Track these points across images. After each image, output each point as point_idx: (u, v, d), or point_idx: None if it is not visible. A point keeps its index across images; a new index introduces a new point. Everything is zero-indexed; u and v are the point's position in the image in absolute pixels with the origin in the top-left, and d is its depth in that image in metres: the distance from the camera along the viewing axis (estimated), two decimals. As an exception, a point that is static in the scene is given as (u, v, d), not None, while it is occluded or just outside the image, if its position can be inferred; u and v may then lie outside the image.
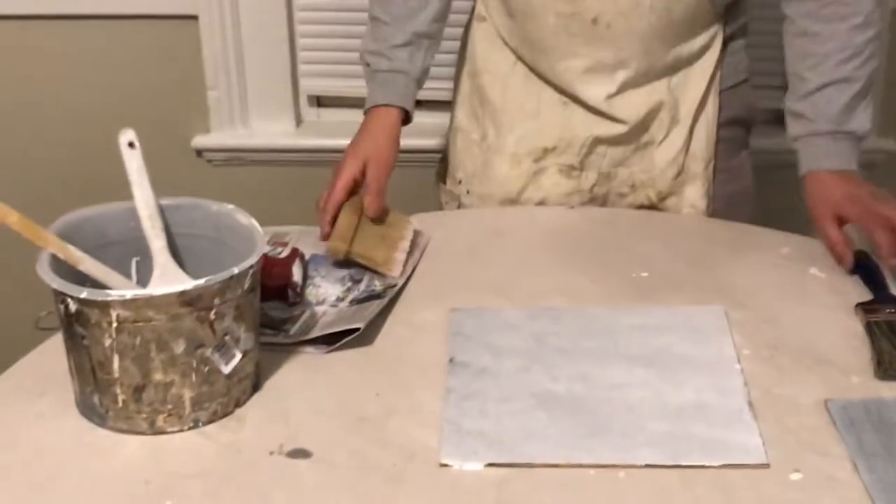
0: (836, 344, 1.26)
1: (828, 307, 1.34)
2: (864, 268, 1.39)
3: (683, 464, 1.06)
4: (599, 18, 1.50)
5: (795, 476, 1.05)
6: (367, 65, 1.58)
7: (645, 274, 1.42)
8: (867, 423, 1.11)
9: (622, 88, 1.56)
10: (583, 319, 1.31)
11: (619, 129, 1.58)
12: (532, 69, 1.60)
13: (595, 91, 1.57)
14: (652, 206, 1.65)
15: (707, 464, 1.06)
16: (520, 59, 1.61)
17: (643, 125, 1.59)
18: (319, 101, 2.45)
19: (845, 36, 1.44)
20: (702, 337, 1.27)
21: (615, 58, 1.54)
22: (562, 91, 1.59)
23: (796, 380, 1.20)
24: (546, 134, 1.61)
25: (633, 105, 1.57)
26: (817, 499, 1.01)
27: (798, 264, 1.42)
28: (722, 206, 1.63)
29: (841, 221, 1.43)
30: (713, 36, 1.58)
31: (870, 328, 1.26)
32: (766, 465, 1.06)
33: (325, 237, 1.41)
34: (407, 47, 1.54)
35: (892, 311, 1.28)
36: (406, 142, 2.33)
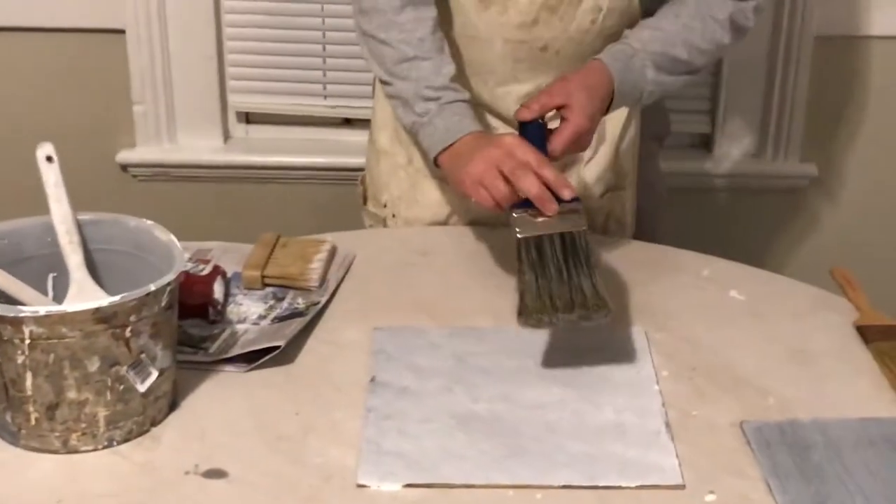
0: (754, 366, 1.28)
1: (746, 329, 1.36)
2: (530, 131, 1.37)
3: (600, 484, 1.07)
4: (549, 45, 1.51)
5: (710, 497, 1.06)
6: (431, 99, 1.43)
7: (567, 295, 1.43)
8: (782, 445, 1.13)
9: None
10: (505, 339, 1.31)
11: None
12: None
13: (512, 102, 1.57)
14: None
15: (624, 484, 1.07)
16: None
17: None
18: (248, 118, 2.43)
19: (696, 13, 1.47)
20: (621, 357, 1.28)
21: None
22: (494, 113, 1.60)
23: (714, 401, 1.21)
24: None
25: None
26: (731, 519, 1.03)
27: (718, 286, 1.44)
28: (642, 217, 1.65)
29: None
30: None
31: (519, 248, 1.25)
32: (681, 486, 1.07)
33: (554, 209, 1.27)
34: (456, 78, 1.47)
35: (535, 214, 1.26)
36: (330, 160, 2.34)
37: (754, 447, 1.12)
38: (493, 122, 1.60)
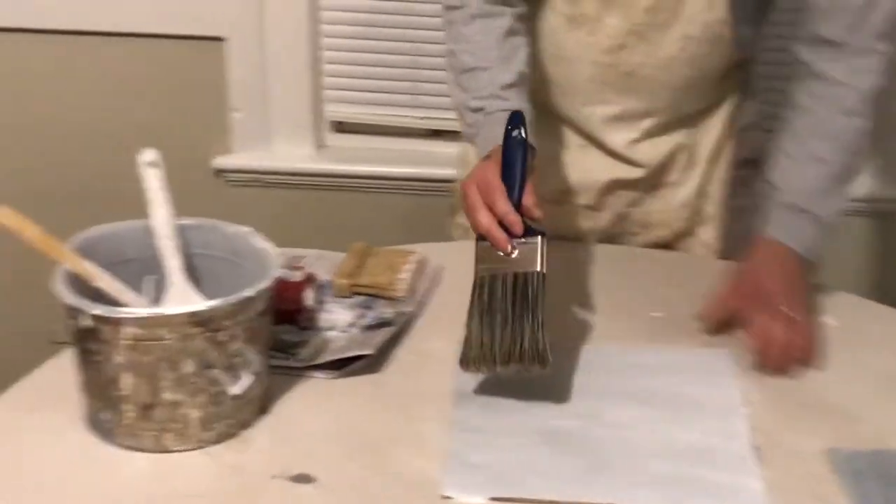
0: (846, 393, 1.26)
1: (839, 356, 1.34)
2: (510, 148, 1.29)
3: (683, 507, 1.06)
4: (637, 71, 1.51)
5: (797, 524, 1.05)
6: (478, 110, 1.43)
7: (658, 314, 1.43)
8: (872, 475, 1.11)
9: (645, 136, 1.58)
10: (593, 356, 1.31)
11: (637, 172, 1.59)
12: (551, 109, 1.61)
13: (618, 137, 1.58)
14: (665, 246, 1.65)
15: (707, 508, 1.06)
16: (539, 98, 1.61)
17: (662, 168, 1.60)
18: (341, 127, 2.46)
19: (827, 116, 1.40)
20: (710, 380, 1.28)
21: (645, 107, 1.55)
22: (582, 133, 1.60)
23: (803, 427, 1.19)
24: (563, 177, 1.62)
25: (653, 150, 1.58)
26: (818, 548, 1.02)
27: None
28: (734, 244, 1.64)
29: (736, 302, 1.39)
30: (735, 83, 1.58)
31: (474, 283, 1.22)
32: (767, 512, 1.06)
33: (506, 247, 1.23)
34: (514, 88, 1.42)
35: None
36: (419, 170, 2.35)
37: (843, 476, 1.11)
38: (576, 139, 1.60)
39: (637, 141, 1.57)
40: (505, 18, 1.46)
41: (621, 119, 1.56)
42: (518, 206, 1.24)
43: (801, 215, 1.40)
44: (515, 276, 1.20)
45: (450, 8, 1.49)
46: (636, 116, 1.56)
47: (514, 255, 1.21)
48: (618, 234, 1.66)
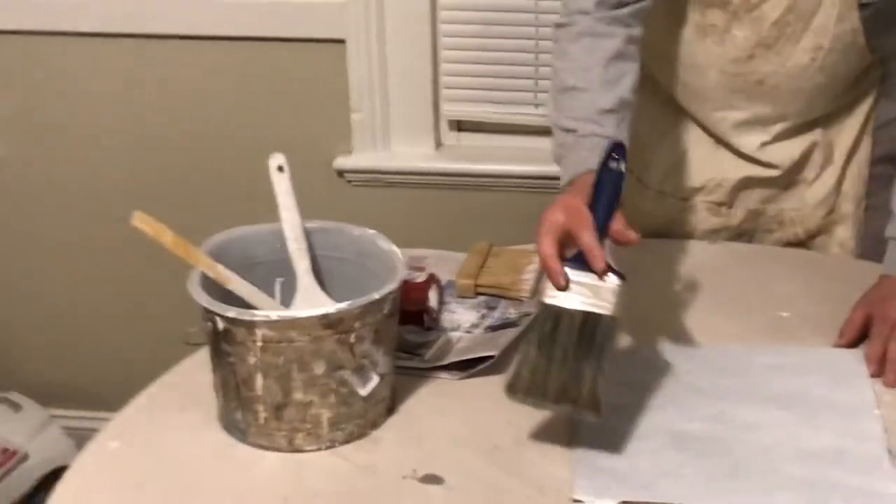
0: (985, 394, 1.22)
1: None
2: (605, 181, 1.19)
3: (822, 510, 1.05)
4: (766, 80, 1.48)
5: (936, 530, 1.02)
6: (570, 131, 1.34)
7: (785, 314, 1.40)
8: None
9: (777, 138, 1.55)
10: (719, 358, 1.30)
11: (771, 172, 1.57)
12: (683, 110, 1.59)
13: (749, 140, 1.55)
14: (800, 244, 1.62)
15: (845, 511, 1.04)
16: (671, 99, 1.60)
17: (796, 167, 1.57)
18: (460, 126, 2.47)
19: None
20: (841, 380, 1.25)
21: (775, 112, 1.53)
22: (710, 133, 1.58)
23: (941, 430, 1.16)
24: (694, 174, 1.60)
25: (786, 151, 1.55)
26: (960, 555, 0.99)
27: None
28: (872, 243, 1.59)
29: (868, 320, 1.34)
30: (872, 80, 1.55)
31: (538, 313, 1.13)
32: (905, 516, 1.04)
33: (559, 282, 1.14)
34: (614, 114, 1.33)
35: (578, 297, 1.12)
36: (540, 168, 2.34)
37: None
38: (708, 139, 1.58)
39: (768, 143, 1.55)
40: (615, 40, 1.37)
41: (752, 123, 1.54)
42: (603, 237, 1.15)
43: None
44: (586, 314, 1.11)
45: (560, 25, 1.41)
46: (768, 121, 1.54)
47: (588, 292, 1.12)
48: (751, 231, 1.63)
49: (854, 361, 1.29)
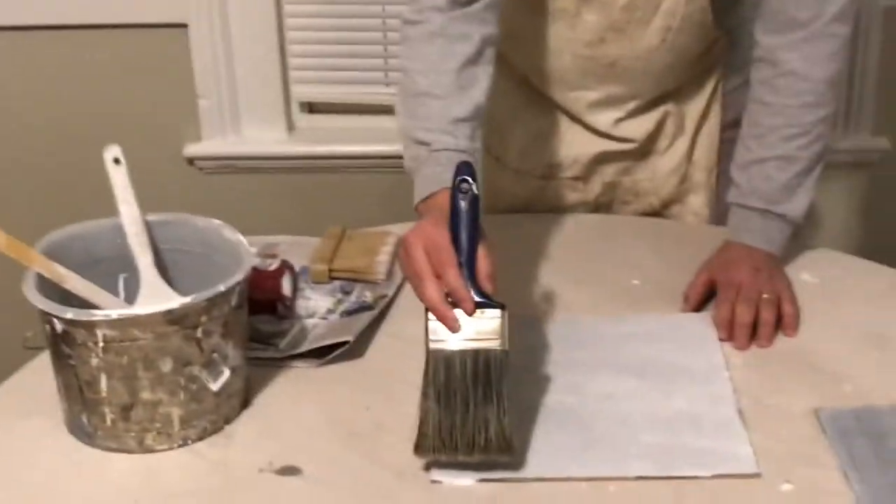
0: (829, 351, 1.26)
1: (820, 314, 1.34)
2: (460, 209, 1.12)
3: (675, 475, 1.06)
4: (617, 62, 1.49)
5: (786, 487, 1.04)
6: (423, 143, 1.28)
7: (636, 282, 1.42)
8: (858, 433, 1.11)
9: (631, 114, 1.57)
10: (572, 329, 1.31)
11: (626, 146, 1.59)
12: (539, 90, 1.59)
13: (604, 118, 1.57)
14: (655, 214, 1.65)
15: (698, 474, 1.06)
16: (526, 79, 1.60)
17: (650, 139, 1.59)
18: (311, 108, 2.44)
19: (795, 113, 1.36)
20: (691, 345, 1.27)
21: (628, 92, 1.54)
22: (565, 112, 1.59)
23: (787, 389, 1.19)
24: (551, 152, 1.61)
25: (641, 125, 1.57)
26: (809, 510, 1.01)
27: (790, 269, 1.42)
28: (725, 211, 1.63)
29: (712, 284, 1.37)
30: (718, 52, 1.57)
31: (427, 360, 1.08)
32: (757, 475, 1.06)
33: (452, 326, 1.09)
34: (468, 123, 1.28)
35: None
36: (395, 148, 2.33)
37: (830, 435, 1.11)
38: (563, 117, 1.59)
39: (622, 119, 1.56)
40: (470, 44, 1.31)
41: (606, 103, 1.55)
42: (471, 273, 1.10)
43: (768, 219, 1.39)
44: (476, 353, 1.07)
45: (410, 22, 1.34)
46: (621, 100, 1.55)
47: (470, 330, 1.08)
48: (608, 203, 1.65)
49: (703, 326, 1.31)
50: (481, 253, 1.11)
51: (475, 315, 1.08)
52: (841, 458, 1.07)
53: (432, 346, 1.08)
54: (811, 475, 1.06)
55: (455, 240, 1.11)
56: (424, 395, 1.07)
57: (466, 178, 1.11)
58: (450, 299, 1.09)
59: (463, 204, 1.11)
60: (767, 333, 1.28)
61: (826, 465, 1.07)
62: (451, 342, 1.08)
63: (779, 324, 1.30)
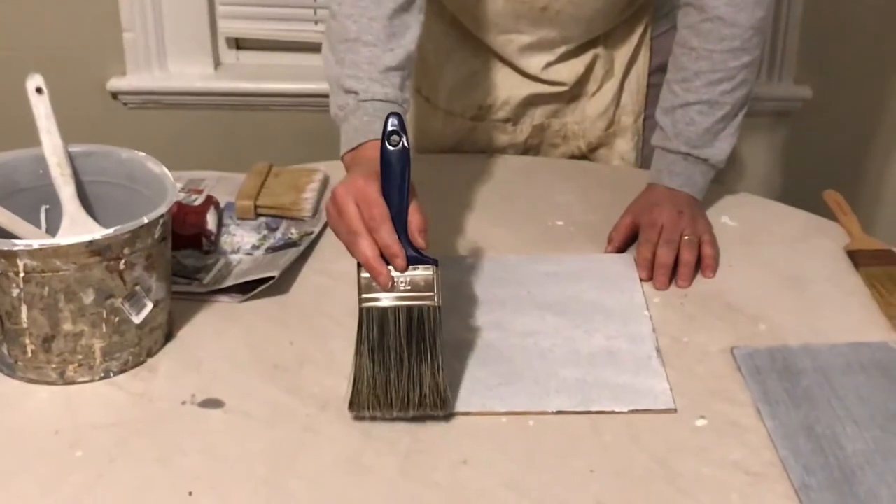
0: (746, 292, 1.29)
1: (738, 256, 1.36)
2: (391, 163, 1.11)
3: (593, 410, 1.08)
4: (549, 6, 1.49)
5: (701, 422, 1.07)
6: (351, 92, 1.26)
7: (560, 223, 1.44)
8: (772, 371, 1.14)
9: (561, 59, 1.57)
10: (496, 268, 1.32)
11: (556, 89, 1.59)
12: (470, 33, 1.59)
13: (534, 61, 1.57)
14: (583, 157, 1.66)
15: (616, 409, 1.08)
16: (457, 22, 1.59)
17: (580, 82, 1.59)
18: (238, 44, 2.42)
19: (719, 58, 1.37)
20: (613, 284, 1.29)
21: (559, 36, 1.54)
22: (497, 56, 1.59)
23: (705, 328, 1.22)
24: (481, 93, 1.61)
25: (571, 69, 1.58)
26: (722, 444, 1.04)
27: (710, 213, 1.44)
28: (651, 155, 1.65)
29: (635, 227, 1.39)
30: None
31: (360, 317, 1.08)
32: (673, 411, 1.08)
33: (386, 282, 1.08)
34: (399, 72, 1.27)
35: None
36: (322, 86, 2.31)
37: (745, 373, 1.14)
38: (494, 60, 1.59)
39: (553, 63, 1.57)
40: None
41: (537, 47, 1.55)
42: (403, 228, 1.10)
43: (691, 163, 1.41)
44: (409, 309, 1.07)
45: None
46: (552, 45, 1.56)
47: (402, 286, 1.08)
48: (537, 146, 1.66)
49: (624, 266, 1.33)
50: (413, 207, 1.10)
51: (408, 271, 1.08)
52: (755, 394, 1.10)
53: (365, 303, 1.08)
54: (725, 411, 1.08)
55: (386, 194, 1.10)
56: (358, 352, 1.07)
57: (397, 130, 1.10)
58: (382, 256, 1.08)
59: (393, 157, 1.10)
60: (687, 274, 1.31)
61: (740, 401, 1.10)
62: (384, 299, 1.07)
63: (698, 265, 1.33)
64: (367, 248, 1.08)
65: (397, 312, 1.07)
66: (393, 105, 1.25)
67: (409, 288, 1.08)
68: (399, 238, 1.08)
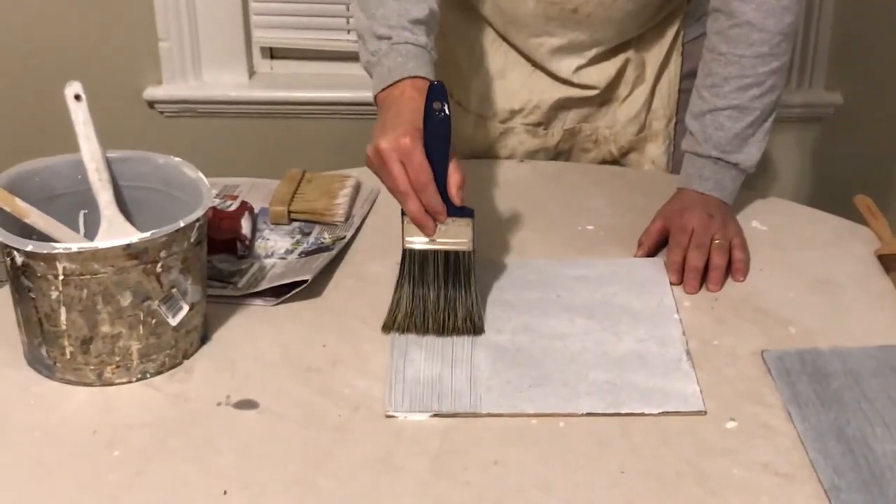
0: (776, 296, 1.29)
1: (768, 260, 1.37)
2: (434, 126, 1.19)
3: (623, 412, 1.09)
4: (580, 9, 1.50)
5: (731, 424, 1.07)
6: (383, 38, 1.31)
7: (590, 227, 1.44)
8: (802, 374, 1.14)
9: (592, 62, 1.58)
10: (526, 271, 1.33)
11: (587, 92, 1.60)
12: (501, 36, 1.60)
13: (565, 64, 1.58)
14: (614, 162, 1.66)
15: (646, 411, 1.09)
16: (488, 25, 1.61)
17: (611, 86, 1.60)
18: (272, 53, 2.44)
19: (748, 63, 1.38)
20: (643, 288, 1.30)
21: (590, 39, 1.55)
22: (527, 58, 1.60)
23: (735, 331, 1.22)
24: (513, 96, 1.62)
25: (602, 72, 1.58)
26: (752, 446, 1.04)
27: (740, 217, 1.44)
28: (682, 160, 1.65)
29: (665, 231, 1.40)
30: (678, 2, 1.58)
31: (403, 256, 1.22)
32: (703, 413, 1.09)
33: (431, 233, 1.21)
34: (425, 25, 1.33)
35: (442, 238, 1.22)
36: (354, 94, 2.33)
37: (774, 376, 1.14)
38: (525, 63, 1.60)
39: (584, 66, 1.58)
40: None
41: (568, 49, 1.56)
42: (443, 185, 1.19)
43: (721, 167, 1.41)
44: (447, 253, 1.21)
45: None
46: (582, 47, 1.56)
47: (442, 234, 1.20)
48: (568, 151, 1.67)
49: (654, 270, 1.34)
50: (453, 166, 1.19)
51: (446, 222, 1.20)
52: (784, 397, 1.11)
53: (408, 245, 1.21)
54: (756, 413, 1.09)
55: (428, 153, 1.18)
56: (398, 285, 1.21)
57: (439, 98, 1.17)
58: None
59: (436, 122, 1.17)
60: (717, 278, 1.31)
61: (770, 403, 1.10)
62: (424, 242, 1.21)
63: (729, 269, 1.34)
64: (415, 205, 1.19)
65: (437, 254, 1.21)
66: (423, 50, 1.31)
67: (447, 236, 1.20)
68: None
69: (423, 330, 1.20)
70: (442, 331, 1.20)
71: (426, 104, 1.18)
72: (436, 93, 1.17)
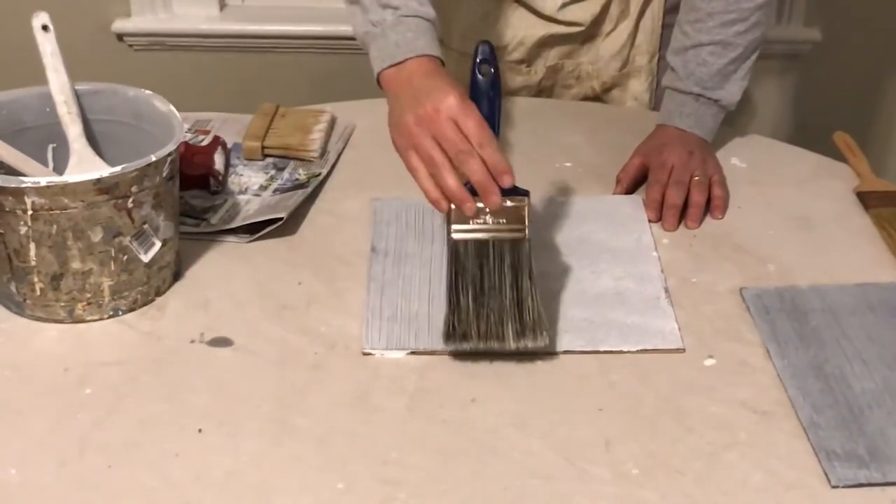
0: (754, 233, 1.28)
1: (747, 197, 1.36)
2: (483, 84, 1.13)
3: (601, 349, 1.08)
4: None
5: (709, 361, 1.07)
6: (389, 7, 1.23)
7: (568, 164, 1.43)
8: (781, 311, 1.14)
9: None
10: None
11: (572, 30, 1.57)
12: None
13: (550, 1, 1.55)
14: (596, 98, 1.65)
15: (624, 349, 1.08)
16: None
17: (595, 22, 1.58)
18: (244, -15, 2.40)
19: None
20: (621, 226, 1.29)
21: None
22: (527, 7, 1.57)
23: (713, 268, 1.22)
24: (496, 34, 1.59)
25: (586, 9, 1.56)
26: (730, 383, 1.04)
27: (719, 154, 1.43)
28: (663, 96, 1.64)
29: (644, 168, 1.38)
30: None
31: (454, 249, 1.07)
32: (681, 350, 1.09)
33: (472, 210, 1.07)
34: None
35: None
36: (329, 28, 2.29)
37: (753, 313, 1.14)
38: (510, 3, 1.57)
39: (568, 3, 1.55)
40: None
41: None
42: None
43: (702, 104, 1.40)
44: (501, 242, 1.07)
45: None
46: None
47: (493, 217, 1.07)
48: (550, 87, 1.64)
49: (633, 207, 1.33)
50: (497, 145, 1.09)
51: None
52: (763, 334, 1.10)
53: (457, 236, 1.07)
54: (734, 350, 1.09)
55: None
56: (450, 285, 1.06)
57: (487, 59, 1.09)
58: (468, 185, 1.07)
59: (484, 86, 1.10)
60: (696, 215, 1.30)
61: (749, 341, 1.10)
62: (477, 234, 1.07)
63: (708, 206, 1.33)
64: (478, 168, 1.05)
65: (488, 245, 1.07)
66: (431, 25, 1.23)
67: (499, 217, 1.07)
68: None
69: (486, 339, 1.04)
70: (503, 338, 1.04)
71: (473, 66, 1.10)
72: (482, 53, 1.09)
